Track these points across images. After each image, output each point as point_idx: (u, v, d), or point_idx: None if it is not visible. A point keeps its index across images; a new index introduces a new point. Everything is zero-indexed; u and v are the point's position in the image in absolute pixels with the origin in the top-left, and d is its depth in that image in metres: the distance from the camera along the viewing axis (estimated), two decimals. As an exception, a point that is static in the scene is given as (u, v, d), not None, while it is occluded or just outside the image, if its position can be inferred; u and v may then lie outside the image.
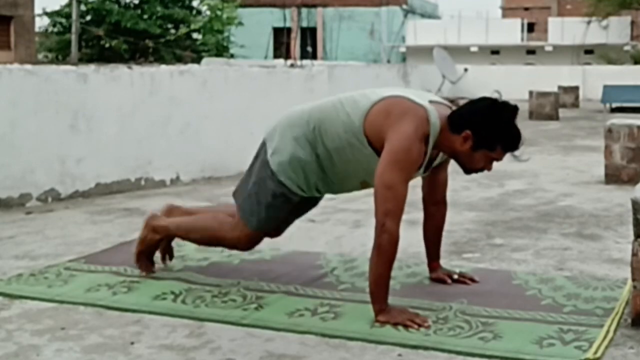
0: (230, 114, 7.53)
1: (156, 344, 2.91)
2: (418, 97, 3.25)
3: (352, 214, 5.35)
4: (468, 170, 3.30)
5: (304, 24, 36.53)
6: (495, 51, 38.11)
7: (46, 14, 33.78)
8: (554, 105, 16.13)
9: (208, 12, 34.97)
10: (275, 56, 35.01)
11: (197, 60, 27.24)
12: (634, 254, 3.02)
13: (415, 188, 3.64)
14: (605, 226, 5.04)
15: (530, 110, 16.19)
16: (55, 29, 34.32)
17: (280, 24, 34.78)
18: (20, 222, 5.18)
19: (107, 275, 3.77)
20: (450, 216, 5.24)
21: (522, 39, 40.06)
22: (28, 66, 6.39)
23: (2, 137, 5.71)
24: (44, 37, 35.99)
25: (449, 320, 3.10)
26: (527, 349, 2.81)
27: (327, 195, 3.62)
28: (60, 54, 32.98)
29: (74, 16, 28.33)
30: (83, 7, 31.77)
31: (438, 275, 3.65)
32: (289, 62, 21.69)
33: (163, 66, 7.65)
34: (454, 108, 3.32)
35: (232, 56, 34.16)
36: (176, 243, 4.37)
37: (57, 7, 33.74)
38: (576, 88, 20.64)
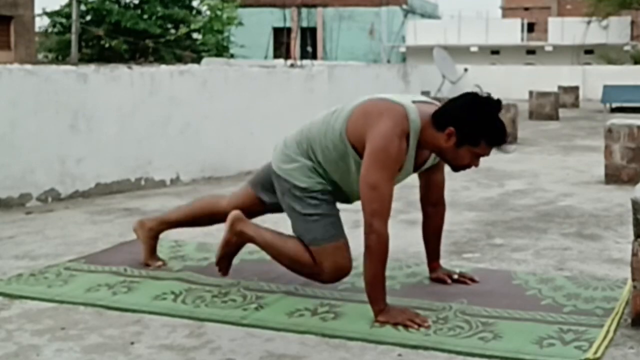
0: (230, 114, 7.53)
1: (156, 344, 2.91)
2: (398, 97, 3.26)
3: (352, 214, 5.33)
4: (455, 167, 3.28)
5: (304, 24, 36.54)
6: (495, 51, 38.13)
7: (46, 14, 33.79)
8: (554, 105, 16.14)
9: (208, 12, 34.97)
10: (275, 56, 35.02)
11: (197, 60, 27.24)
12: (634, 254, 3.02)
13: (415, 188, 3.65)
14: (605, 226, 5.04)
15: (530, 110, 16.19)
16: (55, 29, 34.31)
17: (280, 24, 34.80)
18: (20, 222, 5.18)
19: (107, 275, 3.77)
20: (450, 216, 5.24)
21: (522, 39, 40.06)
22: (28, 66, 6.39)
23: (2, 137, 5.71)
24: (44, 37, 35.99)
25: (449, 320, 3.10)
26: (527, 349, 2.81)
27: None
28: (60, 54, 32.97)
29: (74, 16, 28.33)
30: (83, 7, 31.77)
31: (438, 275, 3.65)
32: (289, 62, 21.70)
33: (163, 66, 7.65)
34: None
35: (232, 56, 34.15)
36: (176, 243, 4.38)
37: (57, 7, 33.77)
38: (576, 88, 20.66)
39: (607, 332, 2.96)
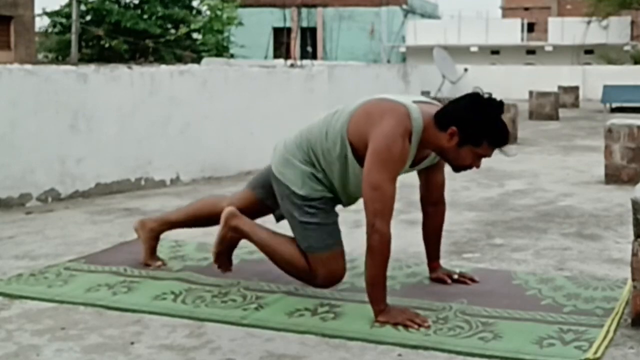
0: (230, 114, 7.53)
1: (156, 344, 2.91)
2: (399, 97, 3.27)
3: (352, 214, 5.33)
4: (456, 167, 3.28)
5: (304, 24, 36.54)
6: (495, 51, 38.12)
7: (46, 14, 33.78)
8: (554, 105, 16.14)
9: (208, 12, 34.97)
10: (275, 56, 35.02)
11: (197, 60, 27.24)
12: (634, 254, 3.02)
13: (415, 188, 3.65)
14: (605, 226, 5.04)
15: (530, 110, 16.19)
16: (55, 29, 34.31)
17: (280, 24, 34.80)
18: (20, 222, 5.18)
19: (107, 275, 3.77)
20: (450, 216, 5.24)
21: (522, 39, 40.06)
22: (28, 66, 6.39)
23: (2, 137, 5.71)
24: (44, 37, 35.99)
25: (449, 320, 3.10)
26: (527, 349, 2.81)
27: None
28: (60, 54, 32.97)
29: (74, 16, 28.33)
30: (83, 7, 31.77)
31: (438, 275, 3.66)
32: (289, 62, 21.70)
33: (163, 66, 7.65)
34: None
35: (232, 56, 34.15)
36: (176, 243, 4.38)
37: (57, 7, 33.76)
38: (576, 88, 20.66)
39: (607, 332, 2.96)
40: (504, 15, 51.79)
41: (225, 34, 36.34)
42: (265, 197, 3.66)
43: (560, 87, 19.90)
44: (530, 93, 16.46)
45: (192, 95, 7.17)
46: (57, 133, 6.06)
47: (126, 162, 6.56)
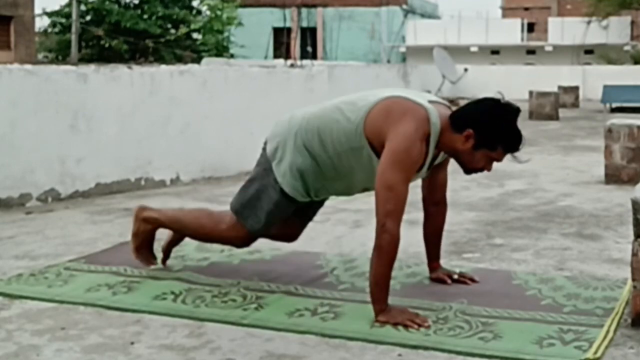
0: (230, 114, 7.53)
1: (156, 344, 2.91)
2: (418, 97, 3.26)
3: (352, 214, 5.35)
4: (468, 170, 3.31)
5: (304, 24, 36.54)
6: (495, 51, 38.12)
7: (46, 14, 33.80)
8: (554, 105, 16.13)
9: (208, 12, 34.99)
10: (275, 56, 35.02)
11: (197, 60, 27.25)
12: (634, 254, 3.02)
13: (416, 188, 3.64)
14: (605, 226, 5.04)
15: (530, 110, 16.19)
16: (55, 29, 34.33)
17: (280, 24, 34.80)
18: (20, 222, 5.18)
19: (107, 275, 3.77)
20: (450, 216, 5.24)
21: (522, 39, 40.06)
22: (28, 66, 6.39)
23: (2, 137, 5.71)
24: (44, 37, 36.00)
25: (449, 320, 3.10)
26: (527, 349, 2.81)
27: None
28: (60, 54, 32.99)
29: (74, 16, 28.34)
30: (83, 7, 31.79)
31: (438, 275, 3.66)
32: (289, 62, 21.71)
33: (163, 66, 7.65)
34: (453, 108, 3.33)
35: (232, 56, 34.17)
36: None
37: (57, 7, 33.79)
38: (576, 88, 20.65)
39: (607, 332, 2.96)
40: (504, 15, 51.78)
41: (225, 34, 36.35)
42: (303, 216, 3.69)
43: (560, 87, 19.88)
44: (530, 93, 16.45)
45: (192, 95, 7.17)
46: (57, 133, 6.06)
47: (126, 162, 6.56)
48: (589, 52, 36.90)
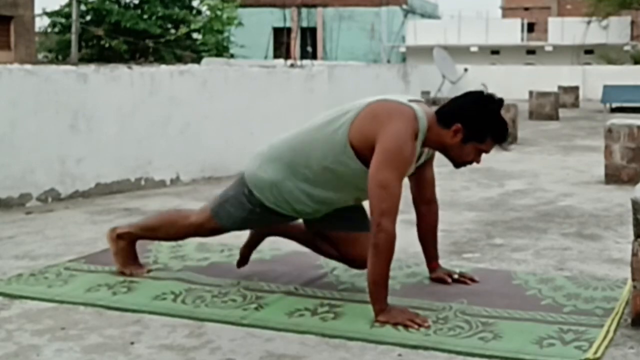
0: (230, 114, 7.53)
1: (156, 344, 2.91)
2: (399, 98, 3.28)
3: (352, 214, 5.33)
4: (458, 164, 3.33)
5: (304, 24, 36.54)
6: (495, 51, 38.13)
7: (46, 14, 33.79)
8: (554, 105, 16.13)
9: (208, 12, 34.98)
10: (275, 56, 35.03)
11: (197, 60, 27.25)
12: (634, 254, 3.02)
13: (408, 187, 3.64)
14: (605, 226, 5.04)
15: (530, 110, 16.19)
16: (55, 29, 34.33)
17: (280, 24, 34.81)
18: (20, 222, 5.18)
19: (107, 275, 3.77)
20: (450, 216, 5.25)
21: (522, 39, 40.07)
22: (28, 66, 6.39)
23: (2, 137, 5.71)
24: (44, 37, 36.00)
25: (449, 320, 3.10)
26: (527, 349, 2.81)
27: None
28: (60, 54, 32.99)
29: (74, 16, 28.34)
30: (83, 7, 31.78)
31: (438, 275, 3.65)
32: (289, 62, 21.71)
33: (163, 66, 7.65)
34: (433, 107, 3.36)
35: (232, 56, 34.16)
36: (176, 243, 4.38)
37: (57, 7, 33.78)
38: (576, 88, 20.66)
39: (607, 332, 2.96)
40: (504, 15, 51.80)
41: (225, 34, 36.35)
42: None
43: (560, 87, 19.89)
44: (530, 93, 16.45)
45: (192, 95, 7.17)
46: (57, 133, 6.06)
47: (126, 162, 6.56)
48: (589, 52, 36.91)
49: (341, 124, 3.26)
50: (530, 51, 38.59)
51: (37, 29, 34.30)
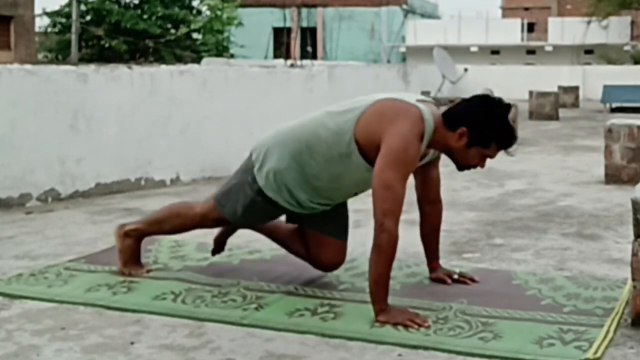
0: (230, 114, 7.53)
1: (156, 344, 2.91)
2: (407, 97, 3.27)
3: (352, 214, 5.31)
4: (462, 167, 3.33)
5: (304, 24, 36.54)
6: (495, 51, 38.12)
7: (46, 14, 33.78)
8: (554, 105, 16.13)
9: (208, 12, 34.96)
10: (275, 56, 35.02)
11: (197, 60, 27.24)
12: (634, 254, 3.02)
13: (413, 188, 3.64)
14: (605, 226, 5.04)
15: (530, 110, 16.19)
16: (55, 29, 34.31)
17: (280, 24, 34.80)
18: (20, 222, 5.18)
19: (107, 275, 3.77)
20: (450, 216, 5.25)
21: (522, 39, 40.06)
22: (28, 66, 6.39)
23: (2, 137, 5.71)
24: (44, 37, 35.98)
25: (449, 320, 3.10)
26: (527, 349, 2.81)
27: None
28: (60, 54, 32.98)
29: (74, 16, 28.33)
30: (83, 7, 31.77)
31: (438, 275, 3.66)
32: (289, 62, 21.71)
33: (163, 66, 7.65)
34: (441, 107, 3.35)
35: (232, 56, 34.15)
36: (176, 243, 4.38)
37: (57, 7, 33.75)
38: (576, 88, 20.66)
39: (607, 332, 2.96)
40: (504, 15, 51.79)
41: (225, 34, 36.34)
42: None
43: (560, 87, 19.89)
44: (530, 93, 16.45)
45: (192, 95, 7.17)
46: (57, 133, 6.06)
47: (126, 162, 6.56)
48: (589, 52, 36.91)
49: (347, 119, 3.26)
50: (530, 51, 38.58)
51: (37, 29, 34.28)
